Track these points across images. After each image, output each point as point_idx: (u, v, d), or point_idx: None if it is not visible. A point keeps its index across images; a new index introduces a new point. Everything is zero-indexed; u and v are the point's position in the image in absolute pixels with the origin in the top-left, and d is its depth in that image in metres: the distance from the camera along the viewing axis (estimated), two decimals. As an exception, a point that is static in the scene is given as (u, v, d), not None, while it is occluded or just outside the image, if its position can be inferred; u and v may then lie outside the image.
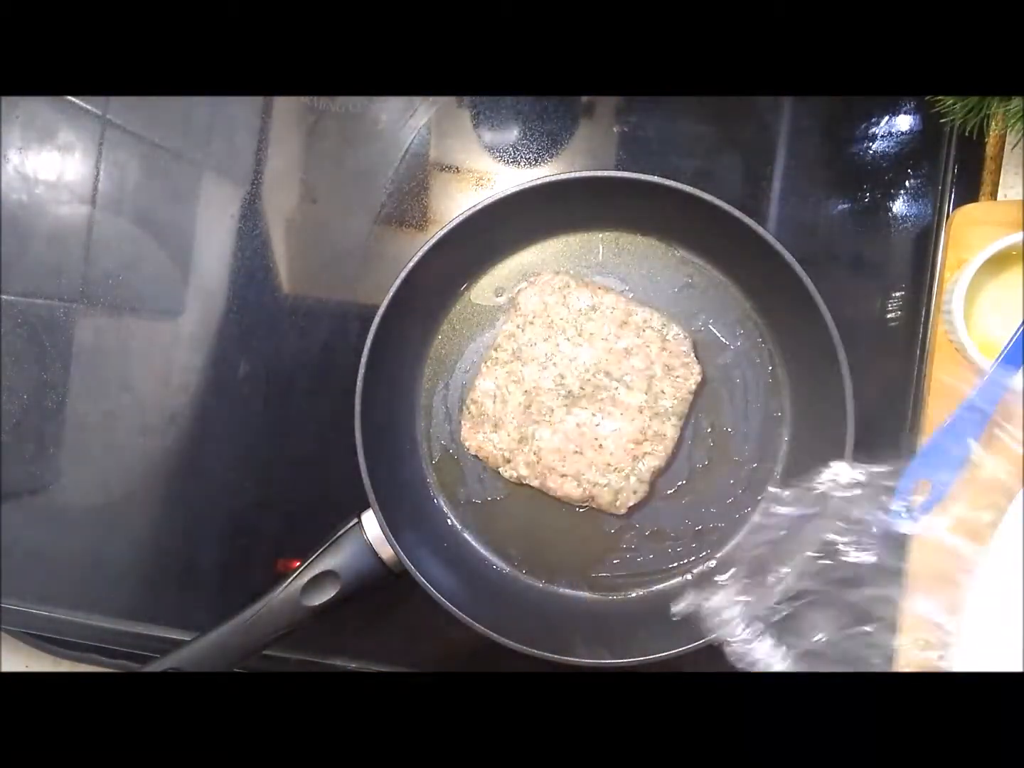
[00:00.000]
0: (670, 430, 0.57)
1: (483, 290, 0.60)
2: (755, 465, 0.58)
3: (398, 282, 0.54)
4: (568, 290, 0.58)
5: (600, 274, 0.60)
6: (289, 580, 0.53)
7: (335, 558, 0.54)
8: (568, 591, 0.59)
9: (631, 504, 0.58)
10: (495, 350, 0.58)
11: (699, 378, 0.57)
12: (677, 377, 0.57)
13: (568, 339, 0.58)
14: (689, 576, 0.58)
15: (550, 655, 0.53)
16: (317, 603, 0.53)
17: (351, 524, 0.54)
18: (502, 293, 0.60)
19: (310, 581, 0.53)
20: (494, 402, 0.58)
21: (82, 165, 0.63)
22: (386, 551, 0.54)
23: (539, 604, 0.59)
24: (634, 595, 0.59)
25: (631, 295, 0.59)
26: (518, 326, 0.58)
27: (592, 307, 0.57)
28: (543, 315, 0.58)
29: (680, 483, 0.59)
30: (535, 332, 0.58)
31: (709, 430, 0.59)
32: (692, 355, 0.57)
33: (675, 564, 0.59)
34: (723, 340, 0.59)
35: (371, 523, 0.54)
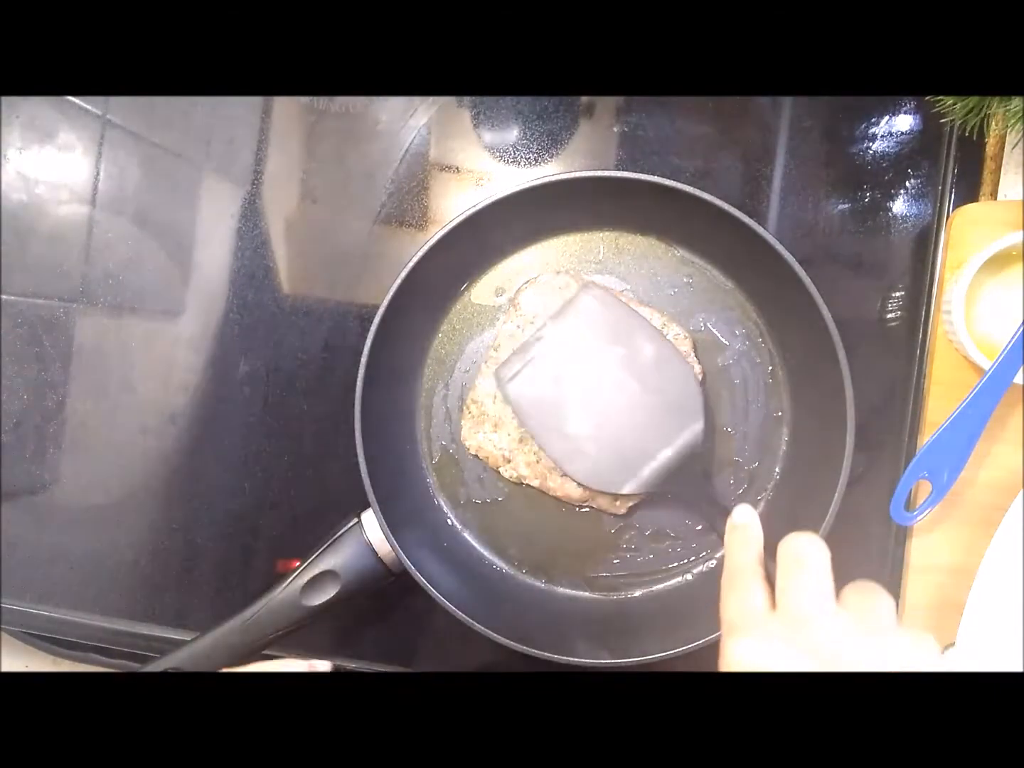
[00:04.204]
0: None
1: (483, 290, 0.60)
2: (756, 465, 0.58)
3: (398, 282, 0.54)
4: (568, 290, 0.58)
5: (600, 273, 0.59)
6: (289, 580, 0.53)
7: (335, 558, 0.54)
8: (568, 591, 0.59)
9: (631, 504, 0.58)
10: (495, 350, 0.58)
11: (699, 379, 0.57)
12: None
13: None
14: (689, 576, 0.58)
15: (549, 655, 0.53)
16: (317, 603, 0.53)
17: (351, 524, 0.54)
18: (502, 293, 0.60)
19: (310, 581, 0.53)
20: (494, 402, 0.58)
21: (82, 165, 0.63)
22: (386, 551, 0.54)
23: (539, 604, 0.59)
24: (635, 595, 0.59)
25: (631, 295, 0.59)
26: (518, 326, 0.58)
27: None
28: (544, 315, 0.58)
29: (680, 483, 0.59)
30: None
31: (709, 430, 0.58)
32: (693, 355, 0.57)
33: (675, 564, 0.59)
34: (723, 340, 0.59)
35: (371, 523, 0.54)
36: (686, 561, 0.58)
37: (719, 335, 0.59)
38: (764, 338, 0.58)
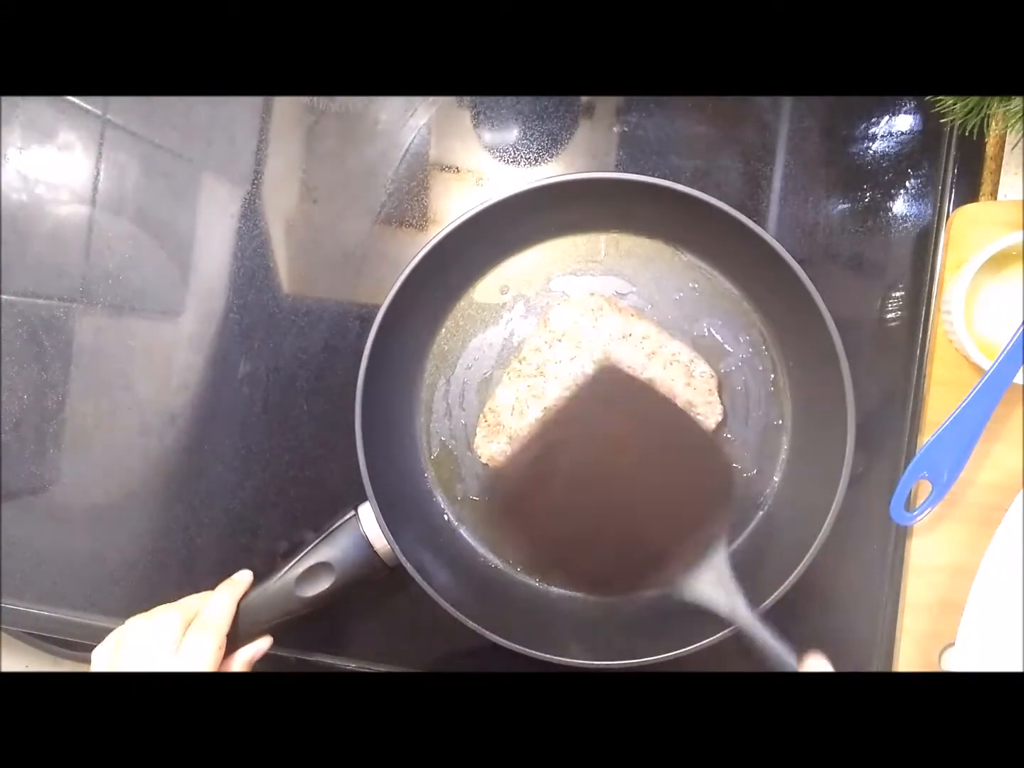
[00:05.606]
0: None
1: (487, 288, 0.60)
2: (755, 472, 0.58)
3: (401, 279, 0.54)
4: (601, 313, 0.57)
5: (606, 275, 0.59)
6: (284, 570, 0.54)
7: (331, 550, 0.54)
8: (562, 591, 0.59)
9: None
10: (519, 362, 0.58)
11: (720, 418, 0.57)
12: (697, 415, 0.56)
13: (594, 362, 0.57)
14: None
15: (541, 654, 0.52)
16: (311, 594, 0.53)
17: (348, 517, 0.55)
18: (507, 291, 0.60)
19: (305, 572, 0.53)
20: (511, 414, 0.57)
21: (82, 165, 0.63)
22: (381, 544, 0.54)
23: (532, 602, 0.59)
24: (626, 598, 0.59)
25: (637, 297, 0.59)
26: (546, 342, 0.57)
27: (623, 334, 0.57)
28: (573, 334, 0.57)
29: (680, 486, 0.59)
30: (562, 350, 0.57)
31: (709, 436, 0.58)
32: (716, 395, 0.57)
33: (670, 567, 0.58)
34: (726, 347, 0.58)
35: (368, 516, 0.54)
36: (681, 566, 0.58)
37: (723, 341, 0.58)
38: (767, 346, 0.58)
